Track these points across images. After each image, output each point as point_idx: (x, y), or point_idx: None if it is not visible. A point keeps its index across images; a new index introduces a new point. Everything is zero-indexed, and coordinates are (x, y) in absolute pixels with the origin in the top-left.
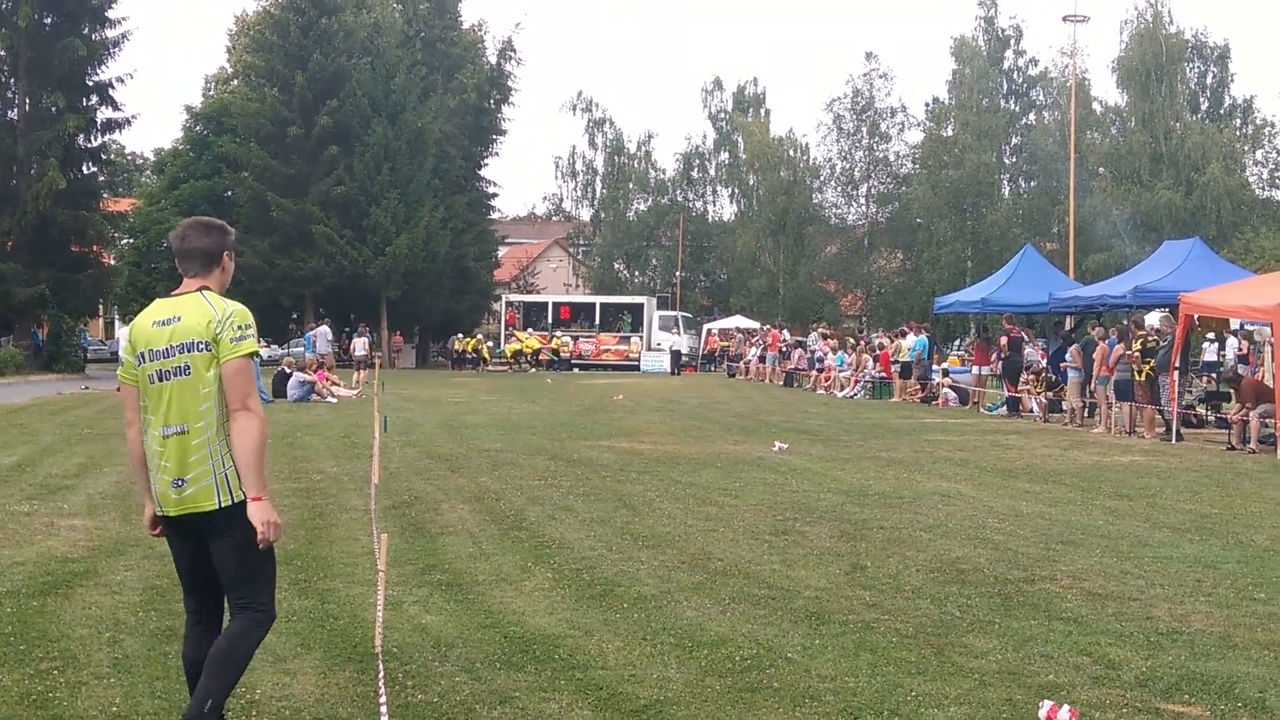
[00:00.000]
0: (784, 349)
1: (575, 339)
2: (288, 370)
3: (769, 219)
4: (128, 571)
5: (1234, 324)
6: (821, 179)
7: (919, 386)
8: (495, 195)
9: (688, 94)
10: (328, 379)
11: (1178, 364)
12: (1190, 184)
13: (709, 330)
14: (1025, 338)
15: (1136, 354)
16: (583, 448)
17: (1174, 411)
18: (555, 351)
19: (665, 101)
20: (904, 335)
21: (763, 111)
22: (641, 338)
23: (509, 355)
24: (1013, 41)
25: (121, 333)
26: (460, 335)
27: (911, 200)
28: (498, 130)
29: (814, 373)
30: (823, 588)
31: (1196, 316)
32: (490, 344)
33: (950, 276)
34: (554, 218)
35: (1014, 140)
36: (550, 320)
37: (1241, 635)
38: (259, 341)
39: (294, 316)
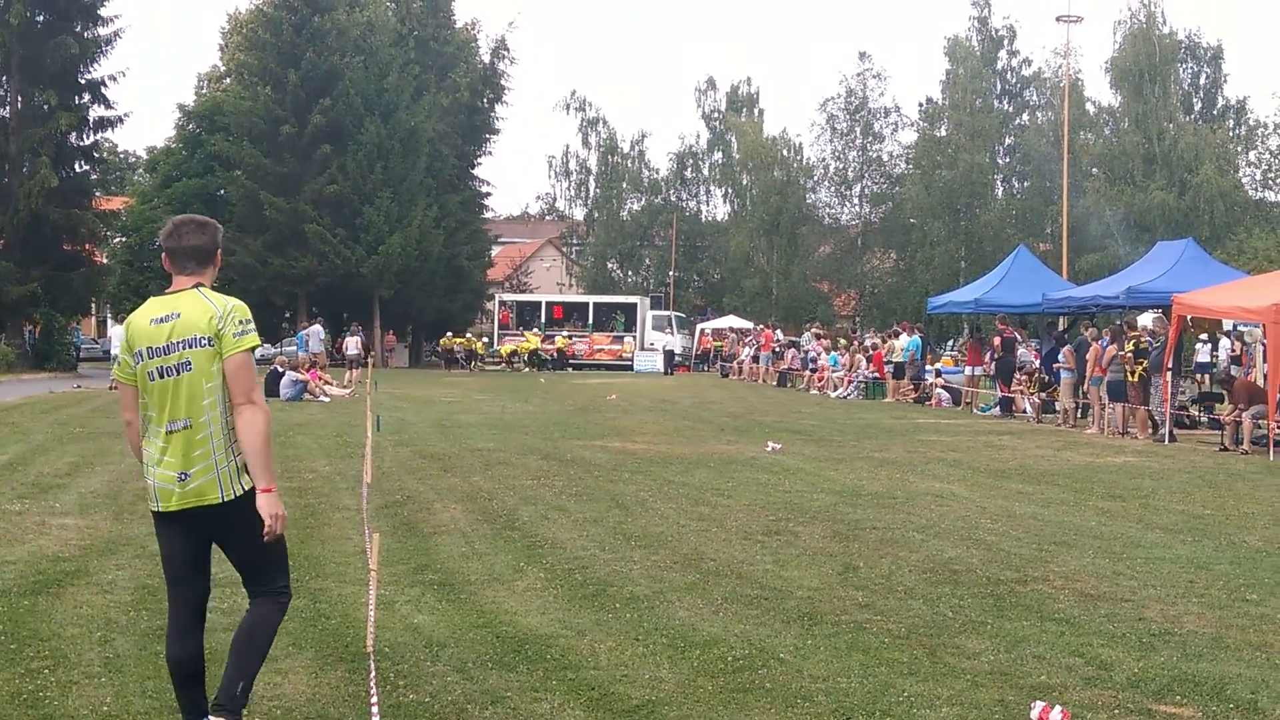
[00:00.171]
0: (777, 349)
1: (570, 339)
2: (280, 369)
3: (762, 219)
4: (119, 571)
5: (1227, 325)
6: (815, 179)
7: (912, 387)
8: (488, 194)
9: (681, 94)
10: (320, 378)
11: (1170, 365)
12: (1183, 185)
13: (702, 330)
14: (1018, 338)
15: (1129, 355)
16: (576, 447)
17: (1167, 412)
18: (561, 351)
19: (659, 101)
20: (897, 335)
21: (756, 111)
22: (635, 337)
23: (504, 355)
24: (1006, 42)
25: (115, 332)
26: (450, 334)
27: (905, 200)
28: (491, 129)
29: (807, 373)
30: (815, 588)
31: (1189, 317)
32: (485, 340)
33: (944, 277)
34: (547, 217)
35: (1007, 141)
36: (544, 320)
37: (1233, 636)
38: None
39: (287, 315)
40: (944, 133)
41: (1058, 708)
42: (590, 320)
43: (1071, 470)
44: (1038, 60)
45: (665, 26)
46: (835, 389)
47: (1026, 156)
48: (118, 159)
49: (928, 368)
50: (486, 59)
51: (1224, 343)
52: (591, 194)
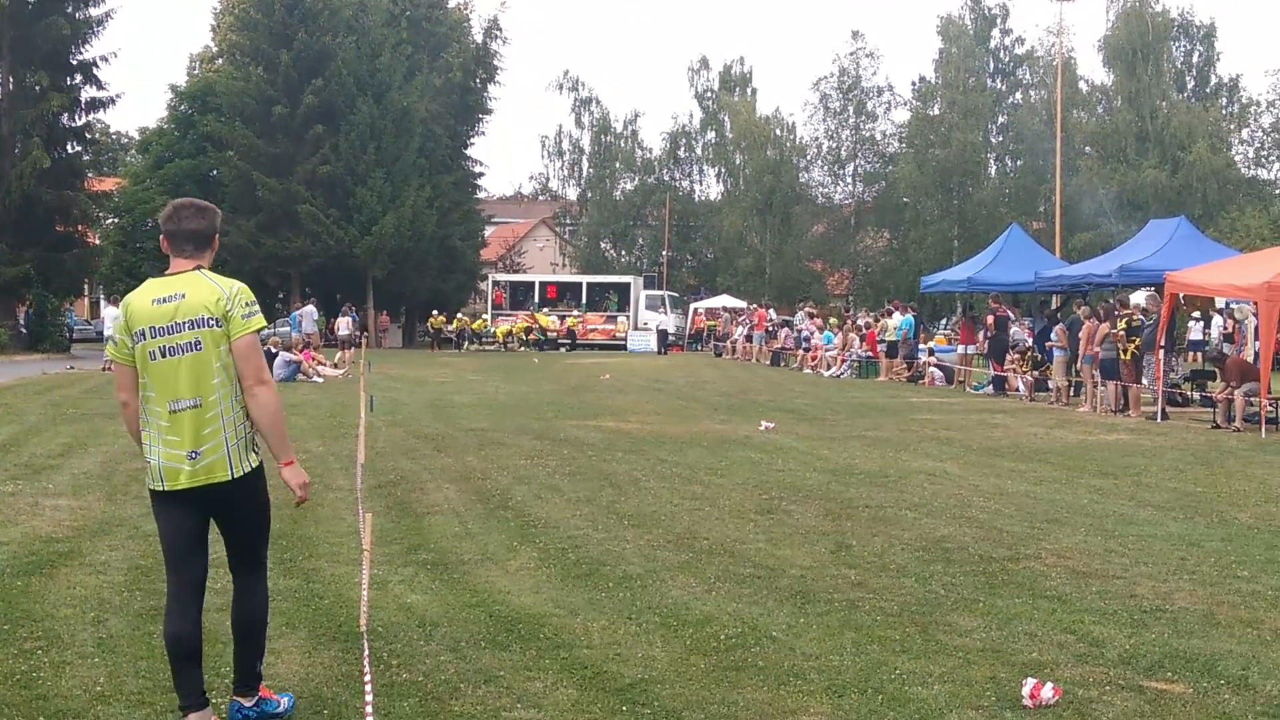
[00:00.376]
0: (770, 328)
1: (562, 319)
2: (274, 350)
3: (755, 198)
4: (112, 551)
5: (1219, 303)
6: (808, 158)
7: (905, 366)
8: (481, 175)
9: (674, 73)
10: (314, 359)
11: (1163, 343)
12: (1176, 163)
13: (695, 310)
14: (1011, 317)
15: (1121, 333)
16: (569, 427)
17: (1159, 390)
18: (572, 330)
19: (652, 81)
20: (890, 314)
21: (749, 91)
22: (628, 317)
23: (500, 336)
24: (999, 20)
25: (108, 312)
26: (435, 312)
27: (898, 179)
28: (484, 109)
29: (800, 352)
30: (808, 566)
31: (1182, 295)
32: (486, 318)
33: (937, 256)
34: (540, 197)
35: (1000, 119)
36: (537, 300)
37: (1224, 613)
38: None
39: (280, 296)
40: (937, 111)
41: (1049, 685)
42: (584, 300)
43: (1064, 448)
44: (1031, 39)
45: (658, 6)
46: (828, 368)
47: (1019, 135)
48: (110, 140)
49: (921, 347)
50: (479, 39)
51: (1216, 320)
52: (584, 174)
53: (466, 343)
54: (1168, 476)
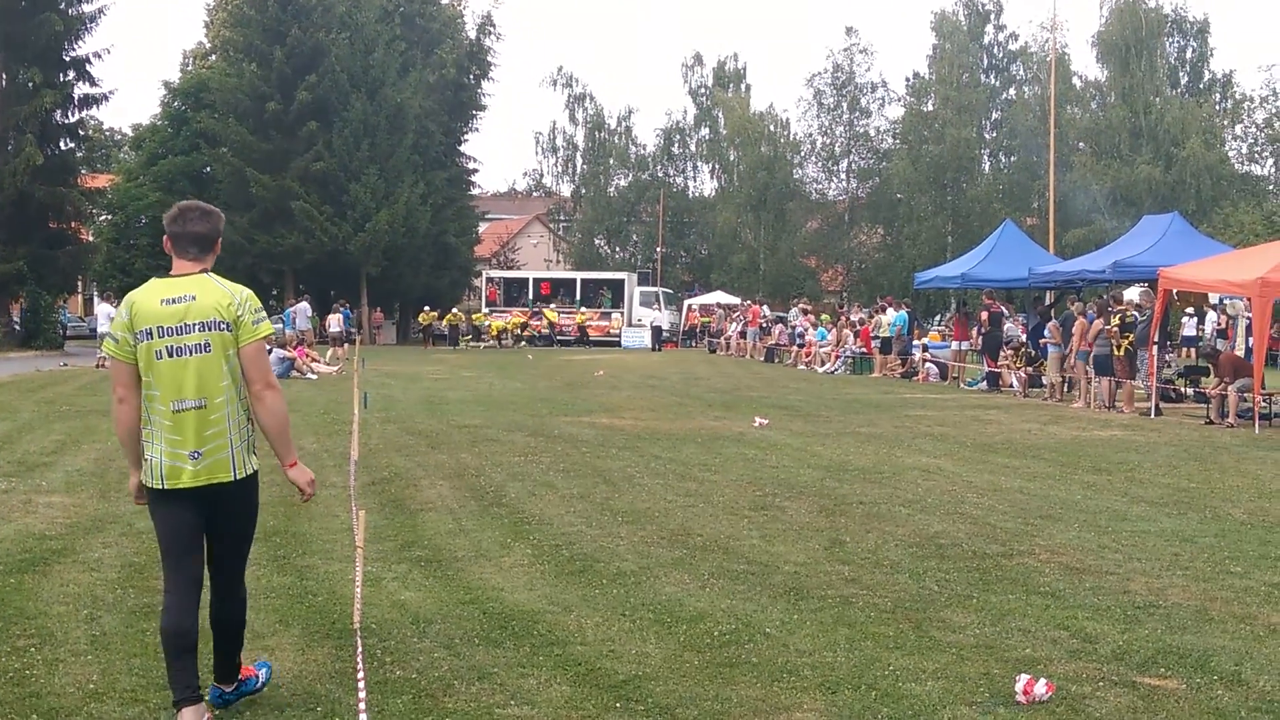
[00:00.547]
0: (765, 324)
1: (541, 316)
2: (267, 346)
3: (749, 194)
4: (106, 549)
5: (1213, 298)
6: (802, 154)
7: (900, 362)
8: (475, 171)
9: (668, 69)
10: (307, 355)
11: (1156, 339)
12: (1170, 159)
13: (690, 306)
14: (1005, 313)
15: (1115, 329)
16: (563, 424)
17: (1153, 386)
18: (583, 327)
19: (646, 77)
20: (883, 311)
21: (743, 87)
22: (622, 314)
23: (494, 331)
24: (993, 16)
25: (101, 310)
26: (426, 309)
27: (892, 175)
28: (477, 106)
29: (795, 348)
30: (802, 563)
31: (1175, 291)
32: (486, 312)
33: (930, 252)
34: (534, 193)
35: (994, 115)
36: (531, 296)
37: (1218, 609)
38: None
39: (274, 293)
40: (931, 107)
41: (1043, 680)
42: (578, 296)
43: (1058, 444)
44: (1024, 35)
45: (652, 2)
46: (823, 364)
47: (1013, 131)
48: (103, 136)
49: (915, 343)
50: (473, 35)
51: (1210, 316)
52: (578, 170)
53: (468, 339)
54: (1161, 472)
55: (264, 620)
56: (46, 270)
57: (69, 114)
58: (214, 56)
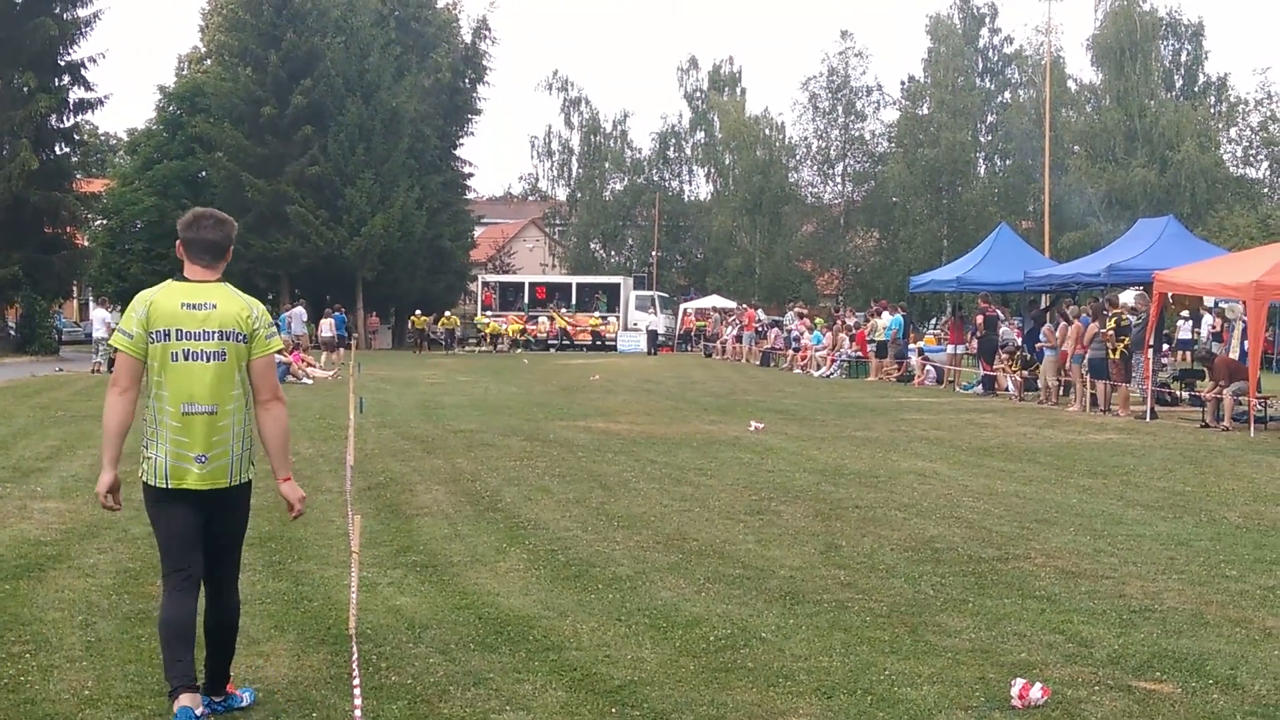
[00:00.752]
0: (760, 328)
1: (551, 320)
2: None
3: (745, 198)
4: (101, 555)
5: (1208, 302)
6: (797, 158)
7: (895, 365)
8: (471, 175)
9: (663, 73)
10: (303, 360)
11: (1152, 342)
12: (1165, 162)
13: (685, 310)
14: (1001, 316)
15: (1111, 332)
16: (559, 428)
17: (1148, 390)
18: (596, 332)
19: (641, 81)
20: (878, 314)
21: (738, 90)
22: (618, 318)
23: (488, 333)
24: (988, 20)
25: (97, 315)
26: (418, 313)
27: (887, 179)
28: (473, 110)
29: (790, 352)
30: (798, 567)
31: (1170, 294)
32: (489, 314)
33: (926, 255)
34: (530, 198)
35: (989, 119)
36: (526, 300)
37: (1213, 613)
38: None
39: (269, 298)
40: (926, 111)
41: (1038, 685)
42: (573, 301)
43: (1053, 448)
44: (1019, 38)
45: (647, 6)
46: (818, 368)
47: (1008, 134)
48: (98, 141)
49: (910, 346)
50: (468, 39)
51: (1205, 320)
52: (574, 174)
53: (459, 345)
54: (1156, 476)
55: (259, 626)
56: (42, 275)
57: (64, 119)
58: (209, 61)
